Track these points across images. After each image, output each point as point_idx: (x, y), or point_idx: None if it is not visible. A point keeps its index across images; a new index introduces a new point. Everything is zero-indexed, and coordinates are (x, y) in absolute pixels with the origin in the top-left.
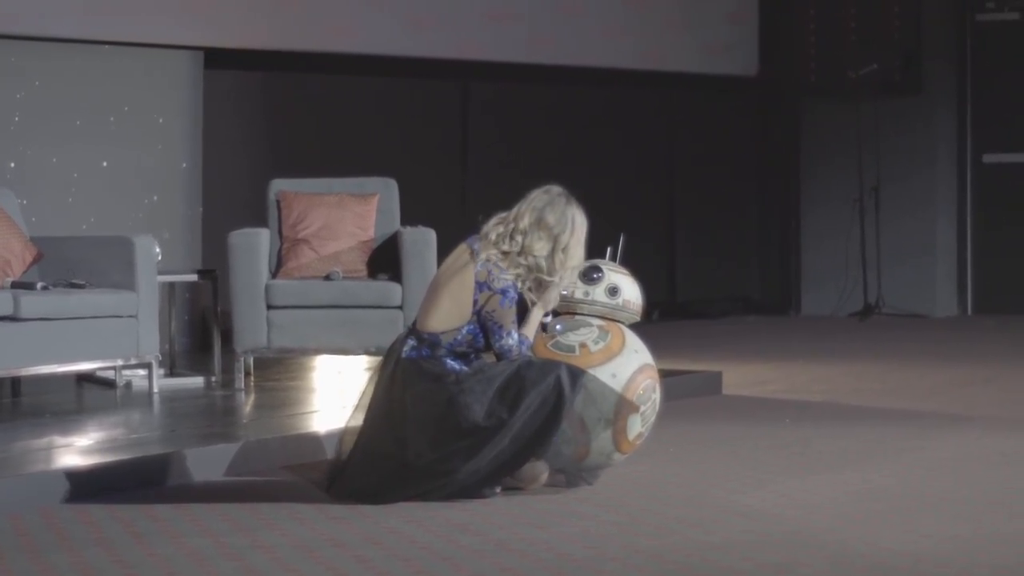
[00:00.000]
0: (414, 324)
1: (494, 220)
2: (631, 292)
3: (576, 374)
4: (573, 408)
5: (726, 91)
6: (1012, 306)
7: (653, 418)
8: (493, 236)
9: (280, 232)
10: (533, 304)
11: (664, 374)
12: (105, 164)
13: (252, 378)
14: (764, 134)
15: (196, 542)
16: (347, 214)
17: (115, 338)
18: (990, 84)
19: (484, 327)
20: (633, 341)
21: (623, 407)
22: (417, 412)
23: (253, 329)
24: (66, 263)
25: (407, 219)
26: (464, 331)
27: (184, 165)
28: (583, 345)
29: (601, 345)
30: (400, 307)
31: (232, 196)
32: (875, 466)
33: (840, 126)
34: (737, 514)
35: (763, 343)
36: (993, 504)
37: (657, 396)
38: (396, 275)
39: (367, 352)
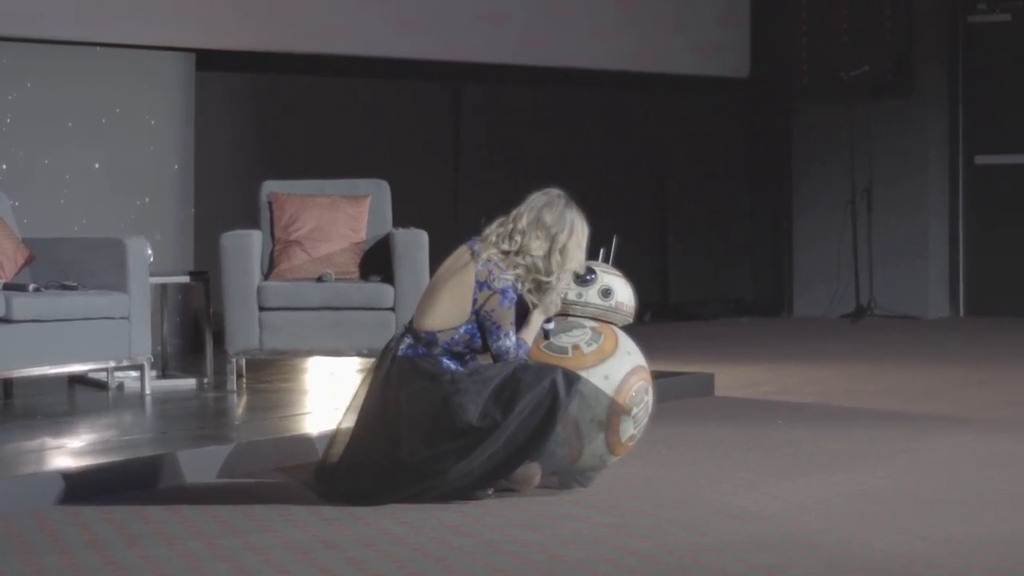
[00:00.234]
0: (410, 323)
1: (495, 223)
2: (624, 294)
3: (572, 379)
4: (568, 412)
5: (718, 92)
6: (1004, 307)
7: (646, 420)
8: (493, 237)
9: (272, 234)
10: (534, 306)
11: (656, 376)
12: (97, 166)
13: (244, 380)
14: (756, 135)
15: (189, 544)
16: (339, 216)
17: (107, 340)
18: (982, 85)
19: (482, 327)
20: (626, 343)
21: (615, 409)
22: (412, 410)
23: (245, 331)
24: (58, 265)
25: (399, 221)
26: (462, 330)
27: (176, 166)
28: (576, 347)
29: (594, 347)
30: (392, 309)
31: (224, 197)
32: (868, 468)
33: (832, 127)
34: (729, 516)
35: (755, 345)
36: (986, 506)
37: (650, 398)
38: (388, 277)
39: (359, 354)
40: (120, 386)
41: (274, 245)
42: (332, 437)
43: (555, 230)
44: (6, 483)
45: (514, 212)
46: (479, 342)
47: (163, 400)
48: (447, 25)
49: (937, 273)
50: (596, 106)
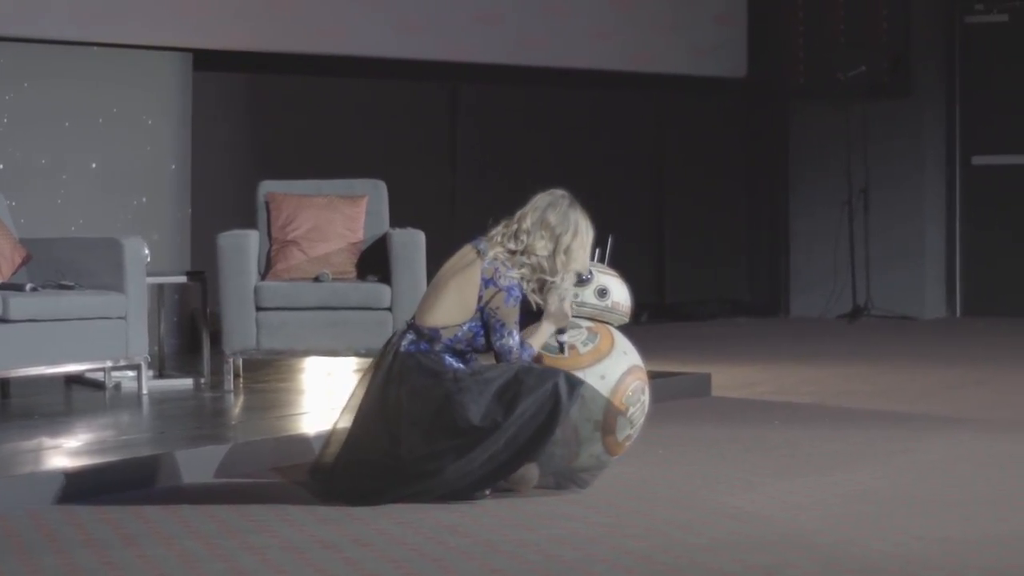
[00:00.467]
0: (412, 319)
1: (501, 224)
2: (620, 294)
3: (574, 383)
4: (569, 416)
5: (714, 93)
6: (1001, 308)
7: (642, 420)
8: (498, 237)
9: (269, 234)
10: (537, 306)
11: (653, 376)
12: (94, 166)
13: (241, 380)
14: (753, 136)
15: (186, 544)
16: (336, 216)
17: (104, 340)
18: (979, 86)
19: (486, 324)
20: (622, 343)
21: (612, 410)
22: (413, 407)
23: (242, 331)
24: (55, 265)
25: (396, 221)
26: (465, 328)
27: (173, 166)
28: (572, 347)
29: (590, 347)
30: (389, 309)
31: (221, 197)
32: (864, 468)
33: (829, 128)
34: (726, 516)
35: (752, 345)
36: (983, 506)
37: (646, 398)
38: (385, 277)
39: (356, 354)
40: (117, 386)
41: (271, 245)
42: (328, 437)
43: (559, 230)
44: (3, 483)
45: (519, 212)
46: (482, 340)
47: (160, 400)
48: (443, 25)
49: (934, 273)
50: (593, 106)
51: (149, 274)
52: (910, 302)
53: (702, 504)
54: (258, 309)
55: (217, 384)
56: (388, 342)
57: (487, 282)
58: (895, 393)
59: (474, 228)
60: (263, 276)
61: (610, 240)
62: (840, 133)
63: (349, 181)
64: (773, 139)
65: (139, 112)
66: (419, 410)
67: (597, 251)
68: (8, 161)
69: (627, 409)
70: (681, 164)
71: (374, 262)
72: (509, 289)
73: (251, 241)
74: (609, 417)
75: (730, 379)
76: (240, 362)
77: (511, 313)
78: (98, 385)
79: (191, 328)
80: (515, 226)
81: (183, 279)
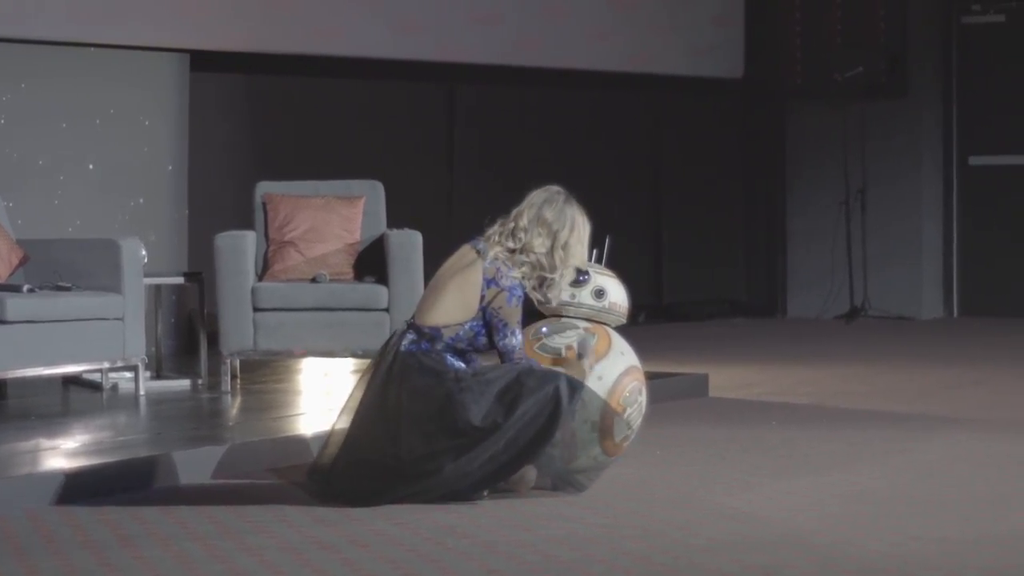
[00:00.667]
0: (412, 319)
1: (497, 223)
2: (617, 295)
3: (575, 386)
4: (569, 419)
5: (712, 93)
6: (998, 308)
7: (639, 420)
8: (496, 236)
9: (266, 234)
10: (539, 303)
11: (650, 376)
12: (91, 166)
13: (238, 380)
14: (750, 136)
15: (183, 545)
16: (333, 216)
17: (101, 340)
18: (976, 86)
19: (489, 324)
20: (619, 343)
21: (609, 410)
22: (413, 407)
23: (239, 331)
24: (52, 265)
25: (393, 222)
26: (466, 327)
27: (170, 167)
28: (569, 347)
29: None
30: (386, 310)
31: (218, 198)
32: (862, 468)
33: (826, 128)
34: (724, 516)
35: (749, 346)
36: (981, 506)
37: (643, 398)
38: (382, 278)
39: (353, 355)
40: (114, 387)
41: (268, 246)
42: (326, 438)
43: (556, 227)
44: (1, 484)
45: (515, 210)
46: (482, 340)
47: (157, 401)
48: (441, 26)
49: (931, 274)
50: (590, 107)
51: (146, 275)
52: (907, 302)
53: (700, 505)
54: (255, 310)
55: (214, 385)
56: (387, 342)
57: (489, 282)
58: (893, 393)
59: (471, 229)
60: (260, 277)
61: (607, 240)
62: (837, 133)
63: (346, 182)
64: (770, 140)
65: (136, 113)
66: (420, 410)
67: (594, 252)
68: (5, 162)
69: (625, 410)
70: (679, 165)
71: (371, 263)
72: (511, 289)
73: (248, 242)
74: (606, 418)
75: (728, 380)
76: (237, 363)
77: (514, 313)
78: (95, 386)
79: (188, 329)
80: (512, 224)
81: (180, 280)
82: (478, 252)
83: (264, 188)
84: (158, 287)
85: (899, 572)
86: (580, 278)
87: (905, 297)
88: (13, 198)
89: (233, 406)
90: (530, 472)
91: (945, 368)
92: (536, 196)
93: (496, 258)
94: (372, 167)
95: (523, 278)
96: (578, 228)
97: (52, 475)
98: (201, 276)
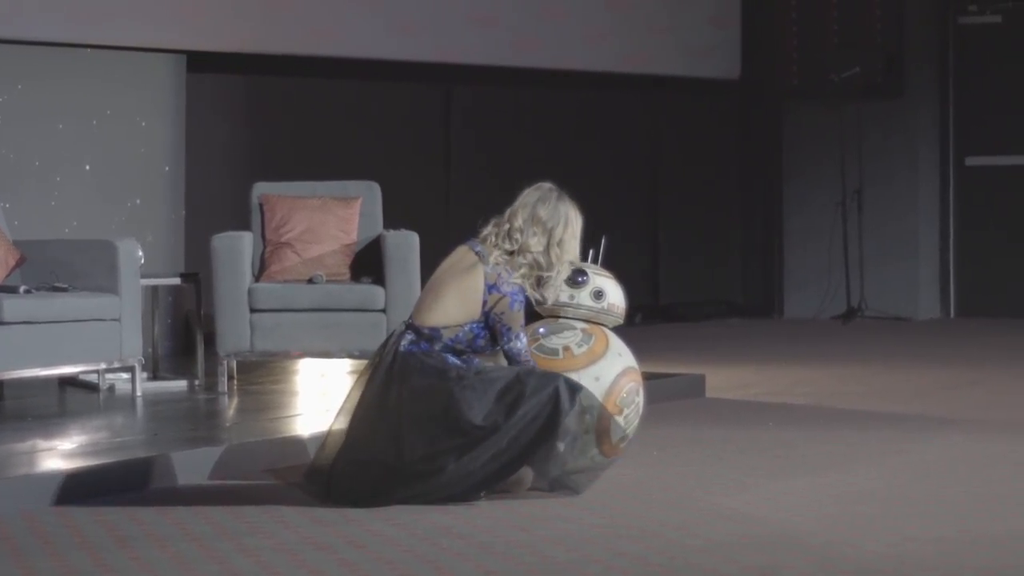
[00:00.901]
0: (410, 320)
1: (491, 223)
2: (615, 295)
3: (575, 388)
4: (568, 421)
5: (709, 94)
6: (995, 308)
7: (636, 421)
8: (492, 238)
9: (263, 235)
10: (537, 302)
11: (647, 377)
12: (88, 167)
13: (235, 381)
14: (747, 137)
15: (180, 546)
16: (330, 217)
17: (98, 341)
18: (972, 86)
19: (493, 329)
20: (616, 344)
21: (606, 412)
22: (415, 407)
23: (236, 332)
24: (49, 266)
25: (390, 222)
26: (466, 328)
27: (167, 168)
28: (567, 348)
29: (584, 348)
30: (383, 311)
31: (215, 199)
32: (859, 469)
33: (822, 129)
34: (721, 517)
35: (746, 346)
36: (978, 507)
37: (640, 399)
38: (379, 278)
39: (350, 356)
40: (111, 388)
41: (265, 247)
42: (323, 439)
43: (551, 224)
44: None
45: (508, 211)
46: (481, 342)
47: (154, 402)
48: (438, 27)
49: (928, 274)
50: (587, 108)
51: (143, 276)
52: (904, 303)
53: (697, 505)
54: (252, 311)
55: (211, 386)
56: (385, 343)
57: (490, 288)
58: (889, 394)
59: (468, 229)
60: (257, 278)
61: (603, 241)
62: (834, 134)
63: (343, 183)
64: (767, 140)
65: (133, 114)
66: (421, 410)
67: (591, 252)
68: (2, 163)
69: (622, 411)
70: (675, 165)
71: (368, 264)
72: (513, 295)
73: (245, 243)
74: (603, 420)
75: (724, 380)
76: (234, 364)
77: (517, 317)
78: (92, 387)
79: (185, 330)
80: (507, 225)
81: (177, 281)
82: (477, 254)
83: (261, 189)
84: (155, 288)
85: (896, 572)
86: (579, 279)
87: (902, 297)
88: (10, 199)
89: (230, 407)
90: (527, 473)
91: (942, 368)
92: (529, 195)
93: (497, 263)
94: (369, 168)
95: (522, 279)
96: (572, 223)
97: (49, 476)
98: (198, 277)
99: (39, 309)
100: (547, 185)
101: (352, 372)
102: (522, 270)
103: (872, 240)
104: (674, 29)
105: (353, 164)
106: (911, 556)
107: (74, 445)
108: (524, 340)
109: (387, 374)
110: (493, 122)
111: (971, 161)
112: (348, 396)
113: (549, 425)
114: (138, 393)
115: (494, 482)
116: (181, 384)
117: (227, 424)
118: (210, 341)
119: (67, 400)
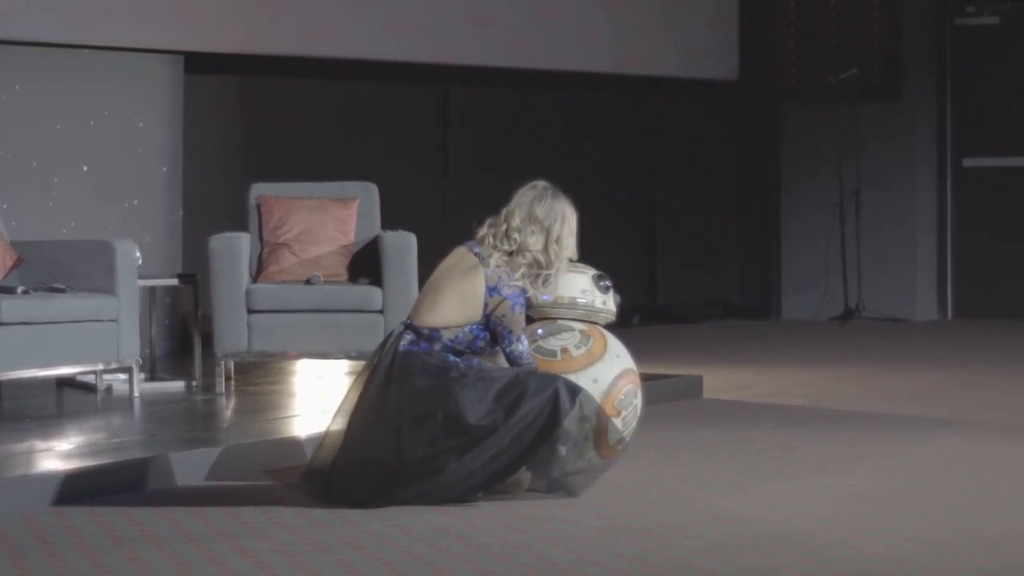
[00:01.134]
0: (409, 320)
1: (487, 224)
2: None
3: (574, 390)
4: (568, 422)
5: (706, 95)
6: (992, 310)
7: (634, 424)
8: (490, 239)
9: (261, 236)
10: (537, 304)
11: (645, 378)
12: (85, 168)
13: (233, 382)
14: (744, 138)
15: (177, 546)
16: (328, 218)
17: (96, 342)
18: (970, 88)
19: (494, 331)
20: (615, 346)
21: (604, 414)
22: (415, 407)
23: (234, 333)
24: (46, 267)
25: (387, 223)
26: (466, 329)
27: (164, 169)
28: (565, 350)
29: (583, 350)
30: (381, 311)
31: (212, 200)
32: (857, 470)
33: (820, 130)
34: (718, 518)
35: (744, 347)
36: (975, 508)
37: (638, 401)
38: (377, 279)
39: (348, 356)
40: (108, 388)
41: (262, 248)
42: (321, 440)
43: (548, 222)
44: None
45: (504, 211)
46: (480, 343)
47: (152, 402)
48: (435, 28)
49: (925, 276)
50: (584, 109)
51: (140, 276)
52: (902, 304)
53: (695, 506)
54: (250, 312)
55: (209, 387)
56: (383, 343)
57: (491, 290)
58: (887, 395)
59: (466, 230)
60: (254, 279)
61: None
62: (831, 135)
63: (340, 184)
64: (765, 142)
65: (130, 115)
66: (422, 409)
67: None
68: None
69: (620, 413)
70: (673, 167)
71: (365, 265)
72: (513, 297)
73: (242, 244)
74: (601, 422)
75: (722, 381)
76: (232, 364)
77: (518, 320)
78: (90, 388)
79: (183, 330)
80: (504, 226)
81: (175, 281)
82: (477, 256)
83: (258, 190)
84: (152, 289)
85: (894, 573)
86: (602, 283)
87: (899, 299)
88: (7, 200)
89: (227, 408)
90: (524, 474)
91: (939, 370)
92: (524, 195)
93: (498, 265)
94: (366, 169)
95: (523, 279)
96: (568, 220)
97: (47, 477)
98: (195, 278)
99: (37, 310)
100: (541, 183)
101: (350, 373)
102: (522, 270)
103: (870, 241)
104: (671, 30)
105: (351, 165)
106: (909, 557)
107: (72, 446)
108: (525, 343)
109: (387, 374)
110: (490, 123)
111: (969, 162)
112: (346, 397)
113: (549, 426)
114: (136, 394)
115: (495, 482)
116: (179, 385)
117: (225, 425)
118: (208, 342)
119: (65, 401)
